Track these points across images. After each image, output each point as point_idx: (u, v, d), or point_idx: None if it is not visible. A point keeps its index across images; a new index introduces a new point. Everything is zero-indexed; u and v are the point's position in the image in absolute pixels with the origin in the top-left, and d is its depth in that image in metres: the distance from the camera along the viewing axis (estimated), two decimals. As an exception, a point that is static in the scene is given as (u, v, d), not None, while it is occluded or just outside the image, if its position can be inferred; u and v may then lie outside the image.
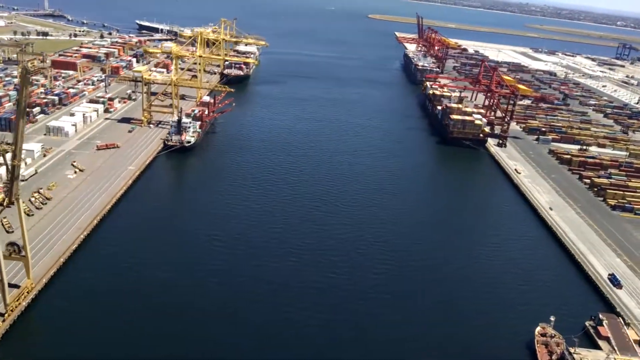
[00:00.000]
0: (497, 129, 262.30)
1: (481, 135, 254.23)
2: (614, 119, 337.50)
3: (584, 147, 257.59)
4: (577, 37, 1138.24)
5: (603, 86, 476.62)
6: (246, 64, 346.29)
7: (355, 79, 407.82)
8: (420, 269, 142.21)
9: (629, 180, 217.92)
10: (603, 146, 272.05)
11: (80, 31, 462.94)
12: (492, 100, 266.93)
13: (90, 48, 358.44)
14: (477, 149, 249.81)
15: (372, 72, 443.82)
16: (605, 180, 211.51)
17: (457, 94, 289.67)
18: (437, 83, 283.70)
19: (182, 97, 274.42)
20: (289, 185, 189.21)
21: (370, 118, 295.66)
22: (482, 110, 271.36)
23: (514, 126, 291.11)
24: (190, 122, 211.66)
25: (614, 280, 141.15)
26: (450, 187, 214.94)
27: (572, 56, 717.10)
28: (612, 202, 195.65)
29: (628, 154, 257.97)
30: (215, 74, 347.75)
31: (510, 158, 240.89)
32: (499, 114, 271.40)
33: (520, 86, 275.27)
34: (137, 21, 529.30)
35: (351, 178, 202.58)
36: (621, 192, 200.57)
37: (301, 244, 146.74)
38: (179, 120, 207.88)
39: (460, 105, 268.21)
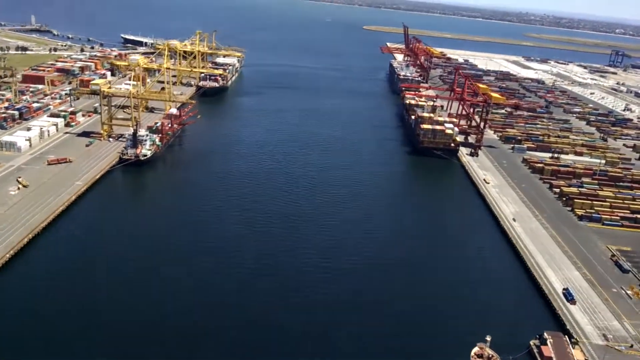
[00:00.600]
0: (472, 138, 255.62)
1: (452, 144, 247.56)
2: (596, 127, 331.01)
3: (556, 156, 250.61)
4: (574, 45, 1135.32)
5: (591, 93, 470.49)
6: (222, 76, 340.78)
7: (338, 89, 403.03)
8: (366, 281, 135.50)
9: (601, 189, 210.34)
10: (580, 154, 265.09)
11: (62, 45, 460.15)
12: (464, 109, 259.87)
13: (65, 62, 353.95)
14: (447, 158, 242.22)
15: (356, 83, 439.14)
16: (574, 190, 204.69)
17: (431, 103, 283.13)
18: (412, 92, 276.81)
19: (151, 110, 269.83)
20: (249, 199, 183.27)
21: (345, 129, 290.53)
22: (454, 120, 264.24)
23: (492, 135, 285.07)
24: (147, 135, 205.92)
25: (568, 295, 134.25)
26: (416, 198, 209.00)
27: (565, 64, 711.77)
28: (580, 212, 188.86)
29: (604, 162, 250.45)
30: (192, 86, 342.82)
31: (481, 168, 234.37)
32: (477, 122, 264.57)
33: (494, 94, 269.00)
34: (122, 35, 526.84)
35: (316, 191, 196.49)
36: (589, 202, 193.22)
37: (262, 259, 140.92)
38: (135, 133, 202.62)
39: (432, 115, 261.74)
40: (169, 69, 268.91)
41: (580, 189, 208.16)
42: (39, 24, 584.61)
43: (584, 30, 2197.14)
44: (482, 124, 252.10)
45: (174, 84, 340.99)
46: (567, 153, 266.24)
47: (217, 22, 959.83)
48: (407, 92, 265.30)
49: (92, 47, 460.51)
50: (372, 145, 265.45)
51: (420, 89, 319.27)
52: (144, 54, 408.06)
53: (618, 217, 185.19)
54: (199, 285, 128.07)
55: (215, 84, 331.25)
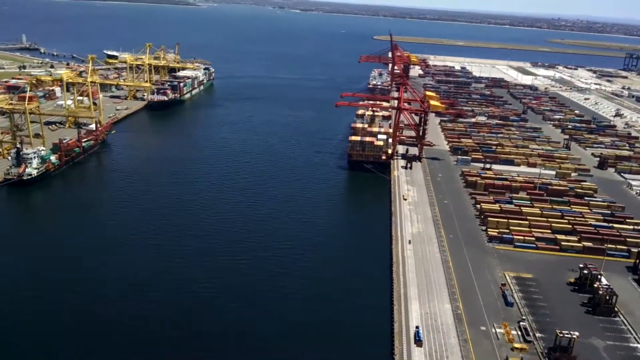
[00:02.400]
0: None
1: (383, 157, 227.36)
2: (569, 134, 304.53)
3: (487, 167, 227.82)
4: (593, 49, 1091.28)
5: (585, 99, 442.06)
6: (174, 88, 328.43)
7: (308, 100, 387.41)
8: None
9: (531, 205, 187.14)
10: (534, 165, 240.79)
11: (38, 62, 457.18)
12: (398, 119, 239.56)
13: (20, 79, 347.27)
14: (375, 172, 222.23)
15: (330, 93, 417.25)
16: (494, 207, 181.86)
17: (370, 113, 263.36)
18: (346, 103, 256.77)
19: (79, 126, 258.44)
20: (154, 223, 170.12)
21: (292, 142, 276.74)
22: (389, 131, 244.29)
23: (445, 145, 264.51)
24: (34, 153, 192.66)
25: (417, 336, 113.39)
26: (325, 217, 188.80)
27: (574, 69, 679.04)
28: (493, 232, 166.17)
29: (542, 172, 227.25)
30: (144, 100, 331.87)
31: (409, 182, 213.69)
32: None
33: (432, 102, 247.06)
34: (105, 51, 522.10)
35: (230, 205, 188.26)
36: (505, 221, 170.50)
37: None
38: (18, 151, 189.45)
39: (365, 125, 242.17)
40: (93, 82, 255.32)
41: (505, 205, 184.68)
42: (29, 42, 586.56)
43: (616, 35, 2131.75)
44: (420, 134, 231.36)
45: (126, 98, 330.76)
46: (518, 164, 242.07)
47: (223, 32, 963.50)
48: (339, 102, 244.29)
49: (68, 64, 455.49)
50: (311, 159, 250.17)
51: (375, 100, 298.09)
52: (123, 68, 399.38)
53: (533, 238, 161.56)
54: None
55: (164, 98, 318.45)
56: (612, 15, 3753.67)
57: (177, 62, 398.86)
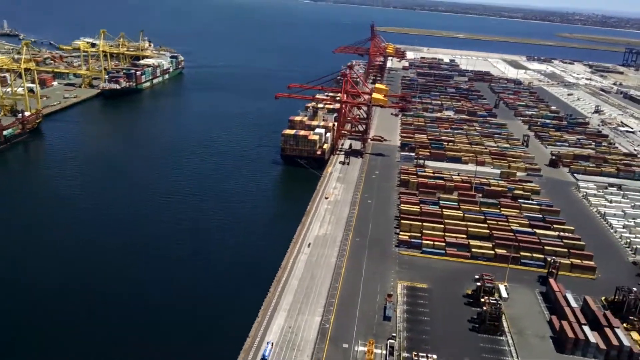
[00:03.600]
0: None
1: (318, 152, 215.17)
2: (535, 131, 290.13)
3: (421, 163, 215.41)
4: (598, 44, 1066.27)
5: (569, 94, 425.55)
6: (128, 76, 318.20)
7: (275, 90, 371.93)
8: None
9: (458, 207, 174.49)
10: (482, 164, 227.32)
11: (9, 49, 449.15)
12: (342, 112, 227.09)
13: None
14: (307, 168, 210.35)
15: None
16: (413, 208, 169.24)
17: (313, 104, 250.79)
18: (285, 94, 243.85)
19: (15, 114, 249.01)
20: (75, 218, 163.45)
21: (235, 133, 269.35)
22: (329, 124, 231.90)
23: (398, 141, 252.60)
24: None
25: (264, 354, 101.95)
26: (239, 214, 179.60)
27: (570, 63, 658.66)
28: (404, 235, 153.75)
29: (499, 172, 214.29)
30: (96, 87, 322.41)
31: (341, 180, 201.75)
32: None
33: (375, 95, 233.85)
34: (82, 38, 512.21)
35: (151, 195, 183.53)
36: (419, 224, 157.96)
37: None
38: None
39: (305, 118, 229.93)
40: (28, 69, 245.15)
41: (429, 206, 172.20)
42: (10, 28, 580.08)
43: (631, 30, 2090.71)
44: (364, 129, 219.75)
45: (80, 86, 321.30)
46: (465, 162, 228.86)
47: (225, 21, 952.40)
48: (279, 94, 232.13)
49: (39, 50, 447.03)
50: (250, 152, 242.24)
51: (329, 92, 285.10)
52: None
53: (444, 244, 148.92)
54: None
55: (116, 86, 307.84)
56: (629, 10, 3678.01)
57: (140, 50, 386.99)
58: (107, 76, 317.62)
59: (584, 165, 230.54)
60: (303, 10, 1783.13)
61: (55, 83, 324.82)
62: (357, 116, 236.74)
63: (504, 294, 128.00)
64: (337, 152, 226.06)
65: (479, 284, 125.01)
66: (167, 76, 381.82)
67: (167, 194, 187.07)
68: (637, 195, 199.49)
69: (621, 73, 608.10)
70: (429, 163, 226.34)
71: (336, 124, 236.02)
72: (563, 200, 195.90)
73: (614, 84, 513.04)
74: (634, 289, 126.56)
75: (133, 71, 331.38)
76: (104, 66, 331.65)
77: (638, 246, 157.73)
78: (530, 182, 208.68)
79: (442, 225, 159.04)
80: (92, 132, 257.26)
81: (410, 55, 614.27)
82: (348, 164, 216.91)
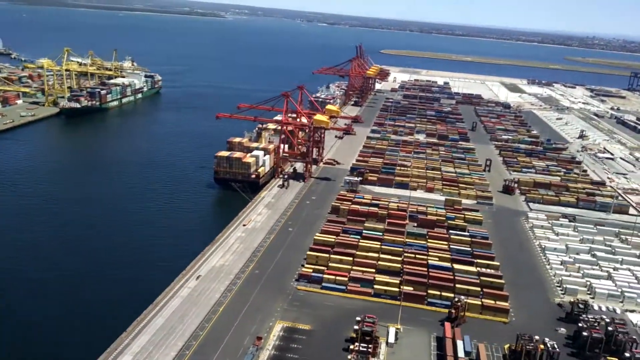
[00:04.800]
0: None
1: (253, 175, 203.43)
2: (504, 157, 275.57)
3: (354, 190, 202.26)
4: (606, 68, 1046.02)
5: (557, 119, 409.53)
6: (91, 95, 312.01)
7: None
8: None
9: (382, 236, 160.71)
10: (431, 190, 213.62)
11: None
12: (281, 134, 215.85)
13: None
14: (237, 191, 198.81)
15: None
16: (329, 238, 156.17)
17: (260, 126, 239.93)
18: (227, 115, 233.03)
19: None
20: None
21: (183, 154, 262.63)
22: (270, 147, 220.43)
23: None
24: None
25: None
26: (154, 241, 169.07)
27: (572, 87, 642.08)
28: (308, 269, 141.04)
29: (444, 198, 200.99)
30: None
31: (270, 205, 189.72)
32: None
33: (318, 116, 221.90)
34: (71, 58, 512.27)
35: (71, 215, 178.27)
36: (326, 256, 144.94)
37: None
38: None
39: (245, 140, 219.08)
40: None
41: (348, 236, 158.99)
42: (5, 47, 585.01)
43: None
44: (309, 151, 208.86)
45: (42, 104, 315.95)
46: (414, 189, 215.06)
47: (227, 44, 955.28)
48: (220, 114, 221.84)
49: (23, 69, 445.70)
50: (189, 173, 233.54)
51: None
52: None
53: (346, 279, 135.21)
54: None
55: (77, 105, 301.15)
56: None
57: (110, 69, 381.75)
58: (69, 95, 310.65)
59: (542, 194, 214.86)
60: (315, 33, 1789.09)
61: (20, 101, 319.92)
62: (303, 138, 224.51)
63: (392, 339, 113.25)
64: (280, 176, 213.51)
65: (356, 327, 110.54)
66: (140, 95, 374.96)
67: (103, 212, 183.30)
68: (590, 228, 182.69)
69: (623, 97, 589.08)
70: (375, 189, 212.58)
71: (282, 146, 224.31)
72: (507, 232, 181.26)
73: (611, 108, 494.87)
74: (536, 337, 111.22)
75: (97, 90, 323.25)
76: (67, 85, 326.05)
77: (569, 286, 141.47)
78: (477, 211, 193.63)
79: (350, 258, 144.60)
80: (32, 150, 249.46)
81: (405, 77, 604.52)
82: (286, 187, 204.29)
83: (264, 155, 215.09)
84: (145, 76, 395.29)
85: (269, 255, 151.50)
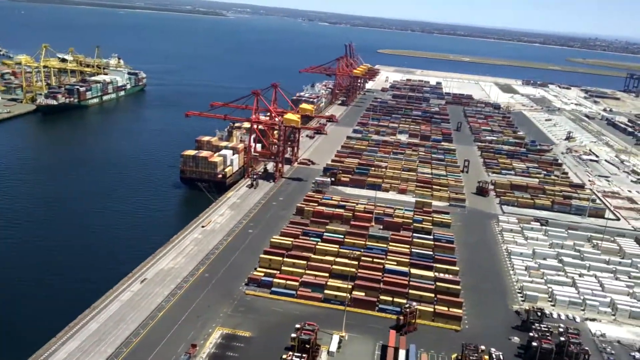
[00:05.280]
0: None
1: (219, 175, 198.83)
2: (485, 158, 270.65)
3: (320, 190, 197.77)
4: (605, 69, 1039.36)
5: (547, 120, 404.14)
6: (69, 92, 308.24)
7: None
8: None
9: (342, 240, 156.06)
10: (404, 192, 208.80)
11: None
12: (251, 133, 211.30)
13: None
14: (202, 191, 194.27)
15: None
16: (286, 241, 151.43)
17: (232, 124, 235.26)
18: (197, 112, 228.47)
19: None
20: None
21: (156, 152, 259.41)
22: (239, 146, 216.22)
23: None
24: None
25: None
26: (113, 241, 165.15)
27: (567, 88, 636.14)
28: (259, 273, 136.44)
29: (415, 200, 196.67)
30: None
31: (234, 206, 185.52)
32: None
33: (289, 115, 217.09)
34: (58, 54, 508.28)
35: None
36: (279, 259, 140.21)
37: None
38: None
39: (214, 139, 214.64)
40: None
41: (308, 239, 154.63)
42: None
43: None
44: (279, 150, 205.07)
45: (20, 101, 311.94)
46: (387, 190, 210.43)
47: (225, 43, 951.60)
48: (190, 112, 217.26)
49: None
50: (158, 172, 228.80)
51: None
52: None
53: (296, 284, 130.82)
54: None
55: (53, 102, 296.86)
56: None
57: (91, 66, 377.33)
58: (46, 92, 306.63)
59: (517, 196, 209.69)
60: (315, 32, 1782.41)
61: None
62: (277, 137, 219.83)
63: (334, 347, 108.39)
64: (249, 176, 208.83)
65: (293, 335, 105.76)
66: (122, 93, 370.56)
67: (66, 209, 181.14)
68: (561, 233, 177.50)
69: (617, 99, 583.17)
70: (347, 190, 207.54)
71: (255, 145, 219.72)
72: (476, 235, 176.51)
73: (604, 110, 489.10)
74: (482, 347, 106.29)
75: (76, 87, 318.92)
76: (47, 82, 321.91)
77: (529, 292, 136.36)
78: (447, 213, 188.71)
79: (304, 262, 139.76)
80: (1, 148, 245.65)
81: (398, 77, 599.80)
82: (255, 188, 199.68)
83: (233, 154, 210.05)
84: (129, 73, 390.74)
85: (222, 258, 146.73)
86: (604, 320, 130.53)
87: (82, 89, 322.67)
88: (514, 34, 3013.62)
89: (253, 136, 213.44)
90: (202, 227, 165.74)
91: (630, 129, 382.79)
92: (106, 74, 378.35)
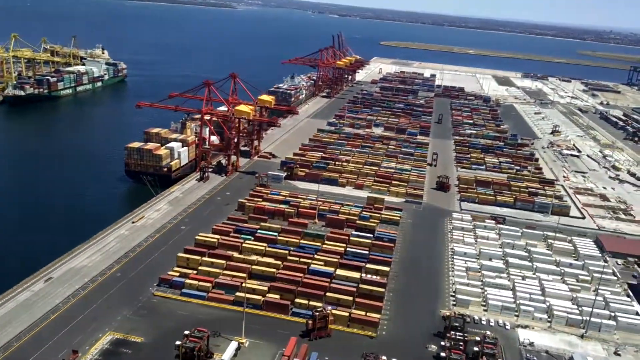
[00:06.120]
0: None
1: (165, 169, 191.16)
2: (458, 152, 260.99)
3: (263, 184, 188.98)
4: (614, 62, 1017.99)
5: (536, 113, 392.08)
6: (39, 82, 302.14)
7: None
8: None
9: (275, 239, 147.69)
10: (360, 187, 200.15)
11: None
12: (202, 125, 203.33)
13: None
14: (146, 185, 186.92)
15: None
16: (211, 239, 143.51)
17: (186, 116, 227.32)
18: (147, 103, 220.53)
19: None
20: None
21: (111, 145, 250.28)
22: (190, 138, 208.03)
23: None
24: None
25: None
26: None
27: (567, 81, 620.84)
28: (173, 273, 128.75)
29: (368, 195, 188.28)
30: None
31: (175, 202, 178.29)
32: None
33: (241, 107, 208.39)
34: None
35: None
36: (197, 258, 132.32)
37: None
38: None
39: (165, 131, 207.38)
40: None
41: (241, 237, 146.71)
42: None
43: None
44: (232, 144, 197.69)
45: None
46: (343, 185, 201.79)
47: (228, 35, 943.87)
48: (141, 103, 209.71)
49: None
50: (109, 164, 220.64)
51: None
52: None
53: (209, 285, 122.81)
54: None
55: (21, 92, 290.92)
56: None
57: (68, 56, 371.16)
58: (15, 82, 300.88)
59: (478, 193, 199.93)
60: (324, 23, 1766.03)
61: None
62: (237, 129, 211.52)
63: (228, 356, 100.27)
64: (200, 169, 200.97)
65: (178, 342, 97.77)
66: (99, 84, 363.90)
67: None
68: (514, 232, 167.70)
69: (618, 92, 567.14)
70: (303, 185, 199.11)
71: (211, 138, 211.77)
72: (425, 233, 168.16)
73: (600, 103, 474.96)
74: (383, 357, 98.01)
75: (46, 78, 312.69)
76: (14, 72, 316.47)
77: (461, 296, 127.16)
78: (399, 210, 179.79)
79: (223, 261, 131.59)
80: None
81: (395, 69, 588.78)
82: (204, 181, 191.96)
83: (182, 147, 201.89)
84: (107, 64, 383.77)
85: (142, 256, 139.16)
86: (537, 328, 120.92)
87: (52, 80, 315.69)
88: (527, 26, 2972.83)
89: (209, 128, 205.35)
90: (133, 222, 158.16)
91: (622, 123, 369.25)
92: (84, 65, 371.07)
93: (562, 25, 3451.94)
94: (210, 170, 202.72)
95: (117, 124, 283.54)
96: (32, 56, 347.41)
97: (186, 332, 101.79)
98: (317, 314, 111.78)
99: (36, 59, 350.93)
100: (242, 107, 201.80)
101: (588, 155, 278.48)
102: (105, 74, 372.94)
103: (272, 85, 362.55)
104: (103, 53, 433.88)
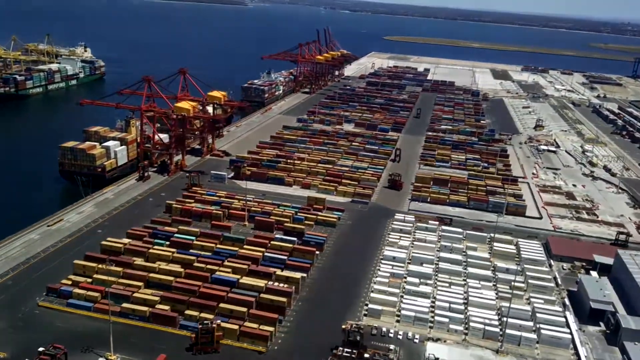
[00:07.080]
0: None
1: (99, 169, 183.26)
2: (425, 148, 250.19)
3: (195, 183, 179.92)
4: (623, 54, 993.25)
5: (524, 107, 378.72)
6: (5, 81, 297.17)
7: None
8: None
9: (190, 243, 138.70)
10: (307, 187, 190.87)
11: None
12: (142, 123, 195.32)
13: None
14: (78, 186, 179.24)
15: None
16: (118, 244, 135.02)
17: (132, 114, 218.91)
18: (89, 101, 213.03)
19: None
20: None
21: (48, 145, 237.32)
22: (129, 136, 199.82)
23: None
24: None
25: None
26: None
27: (569, 74, 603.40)
28: (67, 281, 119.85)
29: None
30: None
31: (102, 204, 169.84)
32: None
33: (181, 103, 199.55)
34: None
35: None
36: (93, 266, 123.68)
37: None
38: None
39: (104, 130, 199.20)
40: None
41: (155, 241, 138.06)
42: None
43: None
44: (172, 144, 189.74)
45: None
46: (289, 184, 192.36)
47: (234, 32, 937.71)
48: (84, 100, 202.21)
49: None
50: (48, 165, 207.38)
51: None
52: None
53: (97, 294, 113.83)
54: None
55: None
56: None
57: (41, 54, 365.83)
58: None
59: (430, 191, 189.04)
60: (332, 19, 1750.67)
61: None
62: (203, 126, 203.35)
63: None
64: (140, 169, 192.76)
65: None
66: (73, 82, 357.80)
67: None
68: (457, 234, 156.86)
69: (620, 85, 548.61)
70: (250, 185, 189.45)
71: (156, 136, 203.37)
72: (361, 236, 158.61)
73: (597, 96, 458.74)
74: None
75: (13, 76, 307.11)
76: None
77: (372, 306, 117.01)
78: (341, 211, 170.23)
79: (120, 269, 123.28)
80: None
81: (389, 63, 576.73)
82: (143, 181, 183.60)
83: (120, 145, 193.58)
84: (83, 62, 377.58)
85: (42, 263, 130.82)
86: (449, 341, 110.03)
87: (20, 78, 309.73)
88: (541, 19, 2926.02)
89: (154, 126, 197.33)
90: (48, 226, 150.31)
91: (613, 117, 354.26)
92: (59, 63, 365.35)
93: (578, 18, 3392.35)
94: (154, 170, 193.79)
95: (71, 122, 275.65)
96: (9, 55, 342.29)
97: (40, 349, 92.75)
98: (201, 327, 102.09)
99: (7, 58, 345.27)
100: (182, 104, 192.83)
101: (566, 151, 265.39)
102: (80, 72, 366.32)
103: (244, 81, 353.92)
104: (85, 51, 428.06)
